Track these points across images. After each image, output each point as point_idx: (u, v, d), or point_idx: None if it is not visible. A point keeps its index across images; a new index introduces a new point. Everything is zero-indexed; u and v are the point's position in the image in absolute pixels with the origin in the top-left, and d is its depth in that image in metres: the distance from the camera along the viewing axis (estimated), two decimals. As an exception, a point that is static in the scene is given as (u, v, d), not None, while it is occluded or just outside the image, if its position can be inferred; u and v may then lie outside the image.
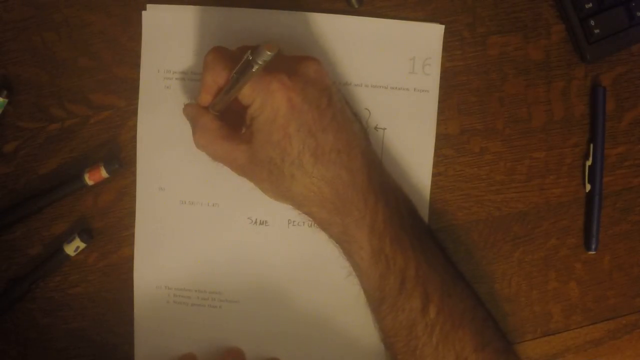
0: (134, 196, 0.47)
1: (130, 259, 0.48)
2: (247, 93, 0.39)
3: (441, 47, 0.47)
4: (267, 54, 0.33)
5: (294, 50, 0.46)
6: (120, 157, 0.47)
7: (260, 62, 0.34)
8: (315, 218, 0.41)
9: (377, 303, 0.41)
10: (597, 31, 0.46)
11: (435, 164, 0.47)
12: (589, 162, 0.47)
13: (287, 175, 0.39)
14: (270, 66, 0.38)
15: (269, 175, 0.40)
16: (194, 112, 0.42)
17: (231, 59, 0.39)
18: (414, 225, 0.42)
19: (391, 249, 0.40)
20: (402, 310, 0.40)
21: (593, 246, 0.48)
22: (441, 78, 0.47)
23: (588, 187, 0.48)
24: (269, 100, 0.38)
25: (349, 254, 0.41)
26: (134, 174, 0.47)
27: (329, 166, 0.39)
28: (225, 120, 0.42)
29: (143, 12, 0.47)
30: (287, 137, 0.38)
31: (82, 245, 0.46)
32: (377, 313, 0.42)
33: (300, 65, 0.40)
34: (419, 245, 0.41)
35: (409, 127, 0.47)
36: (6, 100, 0.46)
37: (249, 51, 0.34)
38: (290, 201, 0.41)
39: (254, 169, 0.41)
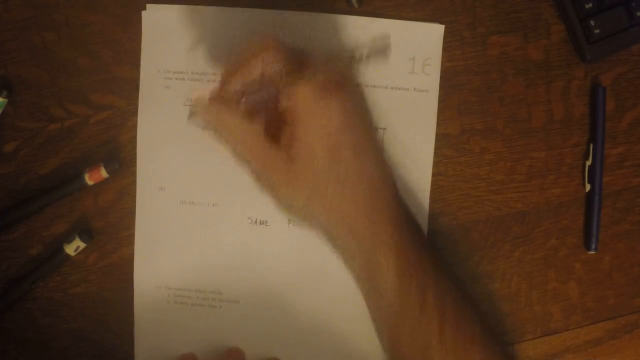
0: (134, 196, 0.47)
1: (130, 259, 0.48)
2: (292, 111, 0.38)
3: (441, 47, 0.47)
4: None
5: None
6: (120, 157, 0.47)
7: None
8: (340, 244, 0.41)
9: (393, 325, 0.41)
10: (597, 31, 0.46)
11: (435, 164, 0.47)
12: (589, 162, 0.47)
13: (320, 192, 0.39)
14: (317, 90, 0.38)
15: (304, 188, 0.39)
16: (219, 113, 0.39)
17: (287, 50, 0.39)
18: (430, 251, 0.43)
19: (415, 273, 0.40)
20: (419, 333, 0.40)
21: (593, 246, 0.48)
22: (441, 78, 0.47)
23: (588, 187, 0.48)
24: (311, 114, 0.38)
25: (370, 277, 0.40)
26: (134, 174, 0.47)
27: (360, 189, 0.39)
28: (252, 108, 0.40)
29: (143, 12, 0.47)
30: (328, 150, 0.38)
31: (82, 245, 0.46)
32: (392, 334, 0.42)
33: (344, 80, 0.40)
34: (437, 272, 0.42)
35: (409, 127, 0.47)
36: (6, 100, 0.46)
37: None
38: (317, 222, 0.40)
39: (289, 178, 0.39)
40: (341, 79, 0.38)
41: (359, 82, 0.40)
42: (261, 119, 0.39)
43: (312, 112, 0.38)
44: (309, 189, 0.39)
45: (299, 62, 0.39)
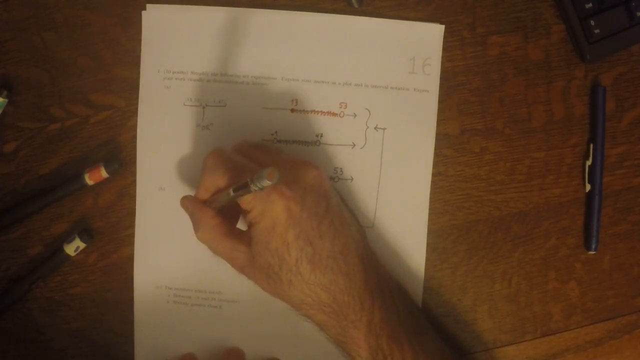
0: (134, 196, 0.47)
1: (130, 259, 0.48)
2: (247, 200, 0.39)
3: (441, 47, 0.47)
4: (267, 182, 0.34)
5: (294, 50, 0.46)
6: (120, 157, 0.47)
7: (259, 187, 0.35)
8: (313, 320, 0.42)
9: None
10: (597, 31, 0.46)
11: (435, 164, 0.47)
12: (589, 162, 0.47)
13: (284, 281, 0.40)
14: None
15: (267, 279, 0.41)
16: (192, 206, 0.43)
17: (230, 163, 0.40)
18: (411, 316, 0.43)
19: (388, 346, 0.41)
20: None
21: (593, 246, 0.48)
22: (441, 78, 0.47)
23: (588, 187, 0.48)
24: (267, 209, 0.39)
25: (348, 352, 0.42)
26: (134, 174, 0.47)
27: (325, 273, 0.40)
28: (223, 210, 0.42)
29: (143, 12, 0.47)
30: (285, 245, 0.39)
31: (82, 245, 0.46)
32: None
33: (299, 172, 0.41)
34: (415, 337, 0.42)
35: (409, 127, 0.47)
36: (6, 100, 0.46)
37: (249, 178, 0.35)
38: (288, 303, 0.42)
39: (252, 271, 0.42)
40: (278, 185, 0.39)
41: (302, 177, 0.41)
42: (226, 216, 0.42)
43: (259, 215, 0.39)
44: (264, 273, 0.40)
45: (239, 170, 0.40)
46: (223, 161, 0.41)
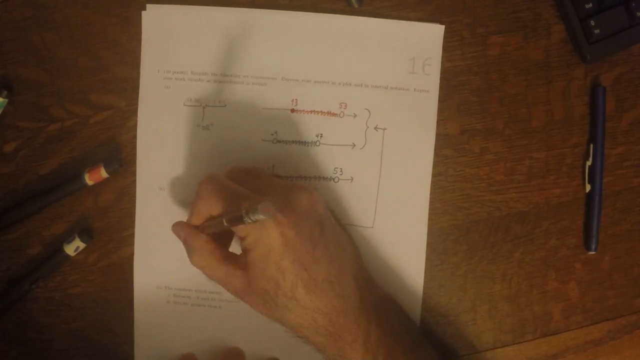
0: (134, 196, 0.47)
1: (130, 259, 0.48)
2: (241, 227, 0.39)
3: (441, 47, 0.47)
4: (261, 217, 0.34)
5: (294, 50, 0.46)
6: (120, 157, 0.47)
7: (252, 220, 0.35)
8: (310, 342, 0.42)
9: None
10: (597, 31, 0.46)
11: (435, 164, 0.47)
12: (589, 162, 0.47)
13: (280, 306, 0.40)
14: (264, 195, 0.39)
15: (264, 304, 0.41)
16: (186, 232, 0.42)
17: (224, 190, 0.40)
18: (406, 333, 0.43)
19: None
20: None
21: (593, 246, 0.48)
22: (441, 78, 0.47)
23: (588, 187, 0.48)
24: (262, 236, 0.39)
25: None
26: (134, 174, 0.47)
27: (321, 297, 0.40)
28: (215, 233, 0.42)
29: (143, 12, 0.47)
30: (280, 271, 0.39)
31: (82, 245, 0.46)
32: None
33: (293, 198, 0.41)
34: (411, 354, 0.42)
35: (409, 127, 0.47)
36: (6, 100, 0.46)
37: (243, 209, 0.35)
38: (285, 326, 0.42)
39: (249, 296, 0.41)
40: (275, 214, 0.39)
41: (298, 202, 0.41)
42: (221, 242, 0.42)
43: (254, 242, 0.39)
44: (261, 298, 0.40)
45: (233, 197, 0.40)
46: (217, 188, 0.41)
